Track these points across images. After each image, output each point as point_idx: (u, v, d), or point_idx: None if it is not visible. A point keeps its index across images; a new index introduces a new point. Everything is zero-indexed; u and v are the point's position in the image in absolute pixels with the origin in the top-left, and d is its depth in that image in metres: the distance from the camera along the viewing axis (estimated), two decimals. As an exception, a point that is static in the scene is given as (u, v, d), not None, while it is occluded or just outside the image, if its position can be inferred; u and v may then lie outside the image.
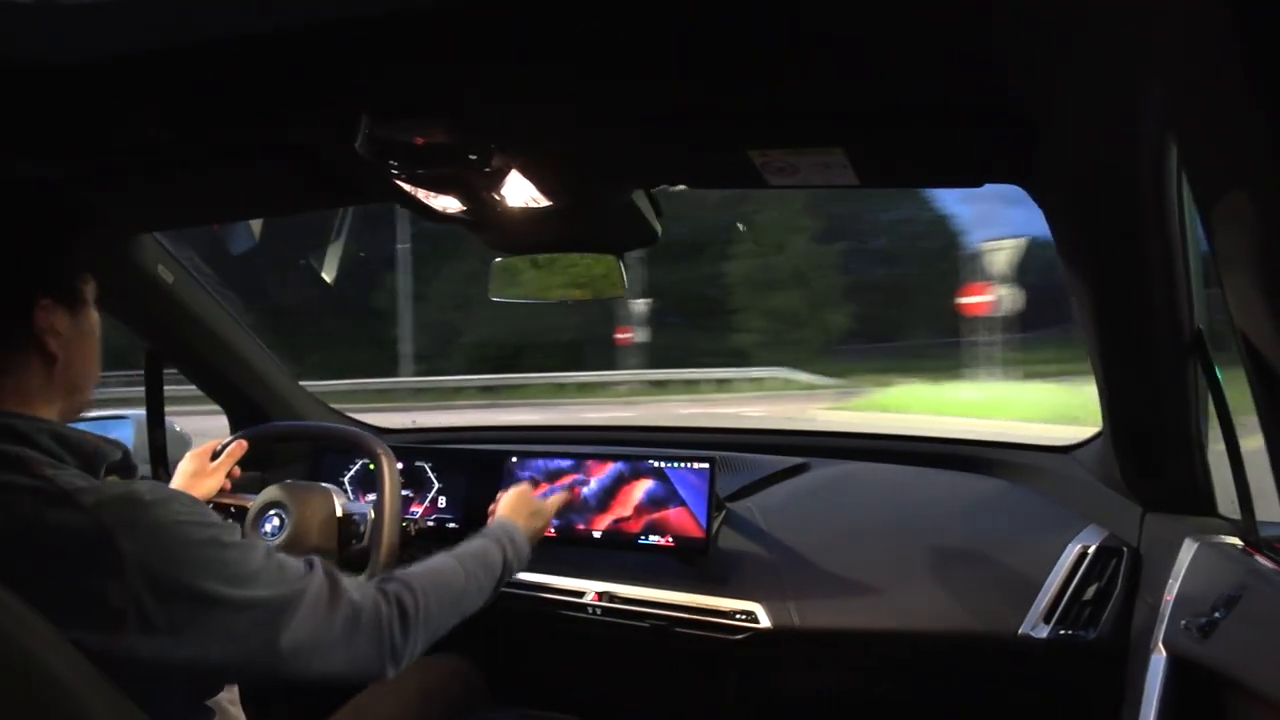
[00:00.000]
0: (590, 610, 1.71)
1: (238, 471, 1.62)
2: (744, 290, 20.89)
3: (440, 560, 1.18)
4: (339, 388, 16.46)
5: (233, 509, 1.63)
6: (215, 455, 1.60)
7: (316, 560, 0.97)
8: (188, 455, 1.59)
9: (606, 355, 18.28)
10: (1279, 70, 0.38)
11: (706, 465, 1.69)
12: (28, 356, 0.86)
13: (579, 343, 19.10)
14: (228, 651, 0.83)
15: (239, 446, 1.61)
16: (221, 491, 1.60)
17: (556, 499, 1.55)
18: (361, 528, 1.56)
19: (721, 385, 17.01)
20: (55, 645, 0.72)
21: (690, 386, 16.87)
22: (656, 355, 18.16)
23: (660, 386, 17.07)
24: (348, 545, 1.54)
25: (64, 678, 0.72)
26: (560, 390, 16.77)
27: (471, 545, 1.26)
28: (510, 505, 1.45)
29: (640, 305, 17.69)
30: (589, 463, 1.81)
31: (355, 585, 0.99)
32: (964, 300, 15.09)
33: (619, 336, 17.98)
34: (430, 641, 1.07)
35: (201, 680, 0.89)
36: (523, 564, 1.33)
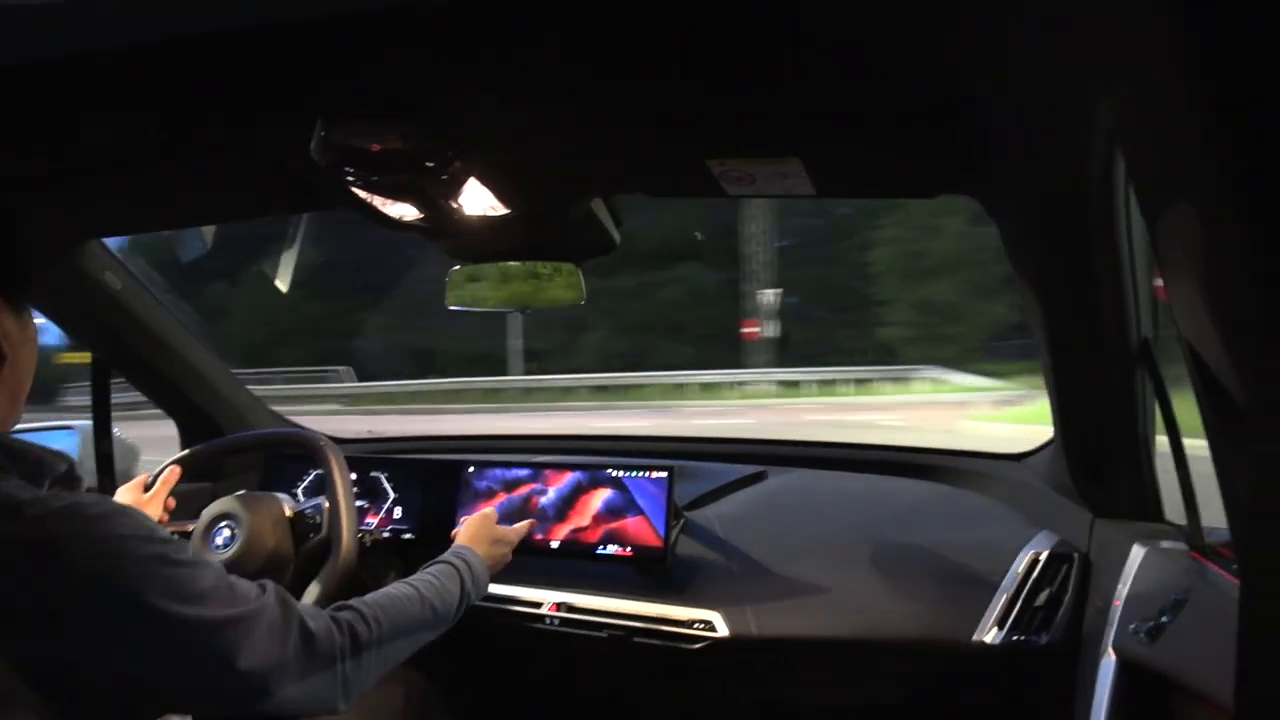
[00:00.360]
0: (548, 621, 1.70)
1: (172, 503, 1.58)
2: (891, 280, 18.96)
3: (396, 588, 1.15)
4: (444, 386, 15.64)
5: (176, 536, 1.59)
6: (148, 487, 1.56)
7: (269, 584, 0.94)
8: (119, 490, 1.54)
9: (732, 352, 16.82)
10: (1222, 83, 0.38)
11: (664, 474, 1.69)
12: None
13: (703, 338, 17.64)
14: (177, 671, 0.81)
15: (172, 475, 1.57)
16: (160, 523, 1.55)
17: (521, 527, 1.53)
18: (316, 519, 1.54)
19: (861, 386, 15.30)
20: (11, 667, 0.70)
21: (825, 388, 15.21)
22: (791, 352, 16.67)
23: (791, 388, 15.33)
24: (305, 540, 1.53)
25: (22, 695, 0.70)
26: (679, 391, 15.31)
27: (428, 572, 1.24)
28: (470, 531, 1.42)
29: (770, 296, 16.55)
30: (547, 472, 1.80)
31: (309, 612, 0.96)
32: (1161, 283, 14.23)
33: (744, 331, 16.71)
34: (384, 672, 1.05)
35: (150, 703, 0.86)
36: (481, 592, 1.31)
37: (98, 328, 1.85)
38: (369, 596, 1.10)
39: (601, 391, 15.33)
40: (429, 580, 1.21)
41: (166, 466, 1.60)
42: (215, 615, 0.84)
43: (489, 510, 1.50)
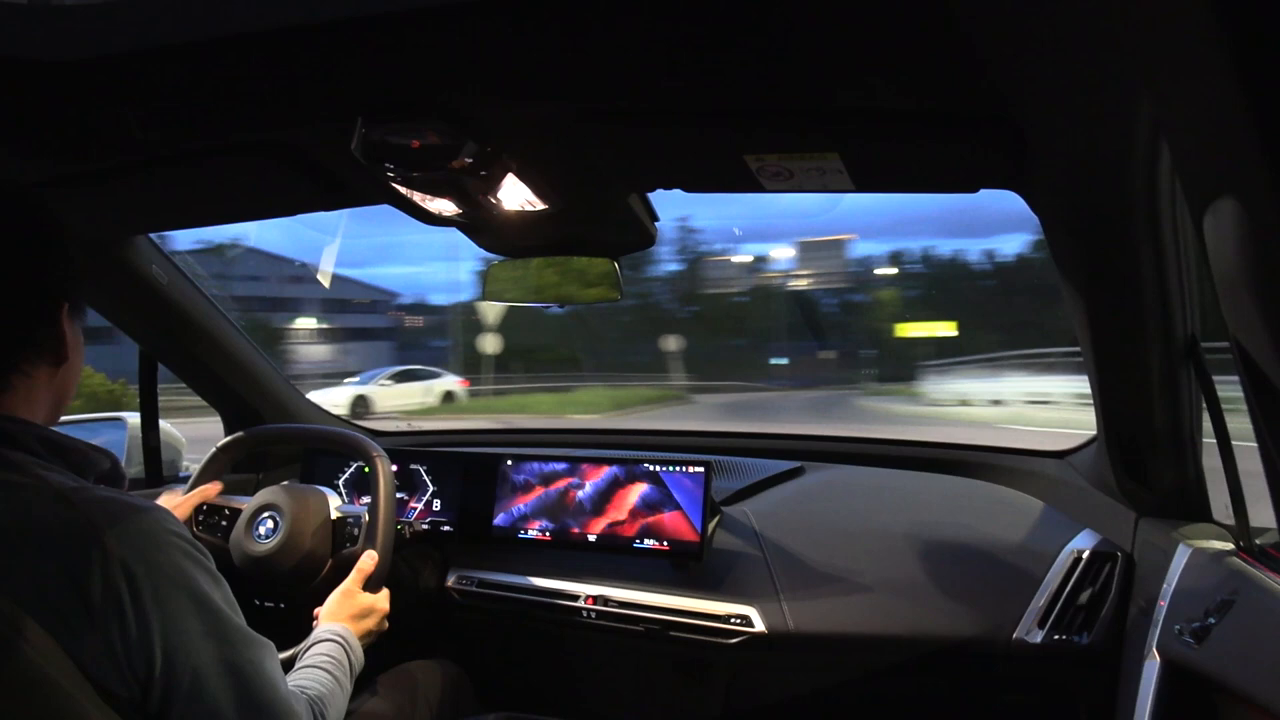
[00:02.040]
0: (584, 614, 1.71)
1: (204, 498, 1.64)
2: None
3: (315, 674, 1.15)
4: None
5: (226, 510, 1.63)
6: (192, 487, 1.62)
7: None
8: (159, 499, 1.58)
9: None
10: (1270, 79, 0.38)
11: (701, 469, 1.69)
12: (42, 360, 0.87)
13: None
14: (196, 673, 0.82)
15: (213, 487, 1.62)
16: (209, 503, 1.62)
17: (382, 595, 1.43)
18: (355, 530, 1.55)
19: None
20: (51, 653, 0.72)
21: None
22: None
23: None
24: (342, 548, 1.54)
25: (61, 685, 0.72)
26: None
27: (321, 653, 1.21)
28: (333, 610, 1.36)
29: None
30: (584, 466, 1.81)
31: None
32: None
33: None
34: None
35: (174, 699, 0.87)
36: (359, 665, 1.26)
37: (145, 321, 1.89)
38: (309, 681, 1.11)
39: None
40: (331, 659, 1.20)
41: (221, 446, 1.66)
42: (243, 626, 0.87)
43: (347, 584, 1.41)
